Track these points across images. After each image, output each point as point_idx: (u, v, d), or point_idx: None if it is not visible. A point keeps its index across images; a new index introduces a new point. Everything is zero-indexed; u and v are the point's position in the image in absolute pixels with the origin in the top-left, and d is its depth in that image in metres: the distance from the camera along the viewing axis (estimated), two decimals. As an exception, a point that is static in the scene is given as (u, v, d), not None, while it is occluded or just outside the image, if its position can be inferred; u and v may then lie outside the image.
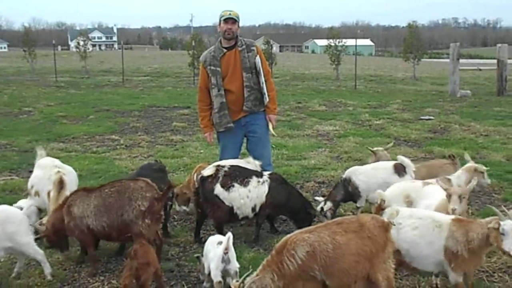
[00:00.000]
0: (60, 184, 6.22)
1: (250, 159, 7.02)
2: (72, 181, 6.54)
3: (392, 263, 4.56)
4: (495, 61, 24.39)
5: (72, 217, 5.59)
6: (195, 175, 7.17)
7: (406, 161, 6.98)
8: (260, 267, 4.42)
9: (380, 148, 8.37)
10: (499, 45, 24.00)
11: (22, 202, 6.53)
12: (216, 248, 5.00)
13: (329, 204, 6.96)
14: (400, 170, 6.90)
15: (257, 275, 4.36)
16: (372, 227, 4.47)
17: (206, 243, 5.32)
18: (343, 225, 4.49)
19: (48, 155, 7.31)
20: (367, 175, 7.01)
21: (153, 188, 5.58)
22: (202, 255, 5.32)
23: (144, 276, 4.89)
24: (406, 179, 6.81)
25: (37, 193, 6.53)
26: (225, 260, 4.90)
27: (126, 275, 4.87)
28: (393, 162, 7.08)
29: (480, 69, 30.71)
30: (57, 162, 6.92)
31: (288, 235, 4.52)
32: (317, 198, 7.33)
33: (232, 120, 7.16)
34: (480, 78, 33.45)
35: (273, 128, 7.43)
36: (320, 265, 4.30)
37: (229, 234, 4.95)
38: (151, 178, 6.29)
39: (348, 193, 7.05)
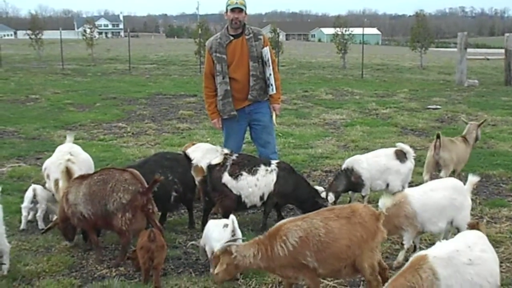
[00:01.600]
0: (68, 174, 6.21)
1: (218, 147, 6.98)
2: (85, 170, 6.46)
3: (379, 253, 4.60)
4: (502, 50, 24.24)
5: (68, 205, 5.62)
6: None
7: (406, 147, 7.11)
8: (252, 240, 4.53)
9: (476, 122, 8.64)
10: (507, 34, 23.83)
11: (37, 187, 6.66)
12: (223, 232, 5.04)
13: (331, 196, 6.95)
14: (401, 156, 7.01)
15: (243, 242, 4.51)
16: (363, 214, 4.52)
17: (206, 227, 5.40)
18: (335, 211, 4.57)
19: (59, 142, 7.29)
20: (369, 162, 7.04)
21: (138, 181, 5.49)
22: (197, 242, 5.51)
23: (158, 259, 5.01)
24: (407, 165, 7.02)
25: (48, 176, 6.61)
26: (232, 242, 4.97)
27: (146, 258, 4.94)
28: (393, 149, 7.14)
29: (487, 59, 30.55)
30: (75, 148, 6.98)
31: (282, 221, 4.59)
32: (316, 187, 7.18)
33: (236, 108, 7.14)
34: (487, 68, 33.28)
35: (276, 117, 7.43)
36: (313, 250, 4.35)
37: (233, 217, 5.03)
38: (159, 165, 6.27)
39: (350, 183, 7.03)
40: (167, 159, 6.62)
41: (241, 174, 6.29)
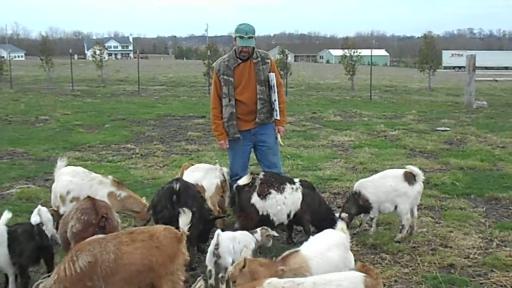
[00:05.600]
0: (118, 183, 6.73)
1: (218, 166, 7.37)
2: None
3: (182, 275, 4.56)
4: (511, 72, 24.20)
5: None
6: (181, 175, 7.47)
7: (415, 169, 6.99)
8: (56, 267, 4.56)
9: None
10: (516, 56, 23.84)
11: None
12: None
13: (344, 216, 6.89)
14: (410, 178, 6.90)
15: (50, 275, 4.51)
16: (162, 238, 4.50)
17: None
18: (133, 235, 4.54)
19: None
20: (376, 185, 6.99)
21: (94, 212, 5.21)
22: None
23: None
24: (416, 188, 6.89)
25: (74, 199, 6.54)
26: (216, 255, 5.20)
27: None
28: (403, 170, 7.06)
29: (496, 80, 30.52)
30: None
31: (82, 242, 4.56)
32: None
33: (242, 129, 7.23)
34: (496, 89, 33.25)
35: (281, 138, 7.48)
36: (101, 275, 4.33)
37: (218, 231, 5.24)
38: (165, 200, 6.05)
39: (359, 206, 7.02)
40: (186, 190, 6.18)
41: (270, 193, 6.36)
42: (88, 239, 4.57)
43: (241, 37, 6.94)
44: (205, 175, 7.25)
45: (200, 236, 6.43)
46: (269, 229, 5.91)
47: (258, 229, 5.85)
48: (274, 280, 4.01)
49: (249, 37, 6.94)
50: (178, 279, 4.51)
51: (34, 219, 5.75)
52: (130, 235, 4.52)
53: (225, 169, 7.46)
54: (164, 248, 4.45)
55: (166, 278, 4.43)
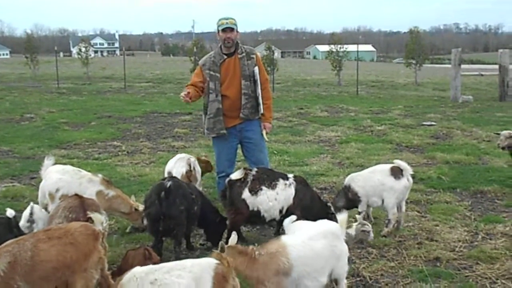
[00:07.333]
0: (108, 182, 6.69)
1: (186, 155, 7.81)
2: None
3: (96, 272, 4.49)
4: (496, 66, 24.42)
5: None
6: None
7: (403, 164, 7.00)
8: None
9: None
10: (500, 50, 24.04)
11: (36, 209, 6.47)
12: None
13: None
14: (397, 173, 6.91)
15: None
16: (77, 234, 4.44)
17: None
18: (49, 232, 4.49)
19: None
20: (365, 179, 7.04)
21: (82, 210, 5.23)
22: None
23: None
24: (402, 182, 6.89)
25: (63, 197, 6.42)
26: None
27: None
28: (390, 165, 7.09)
29: (482, 75, 30.68)
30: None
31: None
32: None
33: (227, 126, 7.26)
34: (482, 84, 33.46)
35: (266, 134, 7.49)
36: (21, 274, 4.25)
37: (292, 217, 5.38)
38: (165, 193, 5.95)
39: (349, 199, 7.06)
40: (175, 190, 6.07)
41: (261, 189, 6.32)
42: (5, 243, 4.45)
43: (222, 24, 7.10)
44: (174, 164, 7.57)
45: (212, 237, 6.59)
46: (366, 224, 6.01)
47: (354, 224, 5.90)
48: (137, 269, 4.13)
49: (229, 21, 7.10)
50: (91, 277, 4.44)
51: (10, 212, 5.72)
52: (46, 233, 4.48)
53: (193, 159, 7.66)
54: (79, 245, 4.39)
55: (79, 275, 4.37)
